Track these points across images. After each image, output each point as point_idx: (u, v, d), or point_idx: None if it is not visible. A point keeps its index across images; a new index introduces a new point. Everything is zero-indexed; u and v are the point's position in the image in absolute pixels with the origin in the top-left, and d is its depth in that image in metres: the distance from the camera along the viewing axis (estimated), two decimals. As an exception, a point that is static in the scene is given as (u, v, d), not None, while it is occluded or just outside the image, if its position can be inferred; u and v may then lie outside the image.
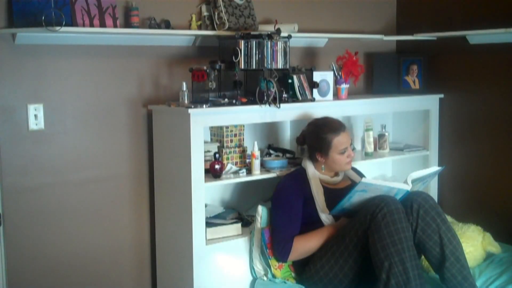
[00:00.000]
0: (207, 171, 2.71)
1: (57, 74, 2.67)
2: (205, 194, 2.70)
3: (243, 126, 3.00)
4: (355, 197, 2.56)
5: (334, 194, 2.70)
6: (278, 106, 2.79)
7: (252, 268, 2.81)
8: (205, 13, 2.98)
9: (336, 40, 3.43)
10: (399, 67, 3.65)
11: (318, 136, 2.75)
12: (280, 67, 2.89)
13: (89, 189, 2.81)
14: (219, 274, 2.74)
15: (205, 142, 2.78)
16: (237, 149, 2.93)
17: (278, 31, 2.88)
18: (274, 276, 2.73)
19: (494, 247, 2.93)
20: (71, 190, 2.75)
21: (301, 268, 2.69)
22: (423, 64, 3.60)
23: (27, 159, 2.63)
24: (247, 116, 2.81)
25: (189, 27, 2.97)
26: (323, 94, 3.09)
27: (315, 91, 3.04)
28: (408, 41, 3.70)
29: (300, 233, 2.67)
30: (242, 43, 2.75)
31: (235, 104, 2.73)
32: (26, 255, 2.66)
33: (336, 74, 3.18)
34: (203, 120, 2.63)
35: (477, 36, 3.30)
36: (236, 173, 2.83)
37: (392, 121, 3.77)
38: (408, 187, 2.57)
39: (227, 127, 2.92)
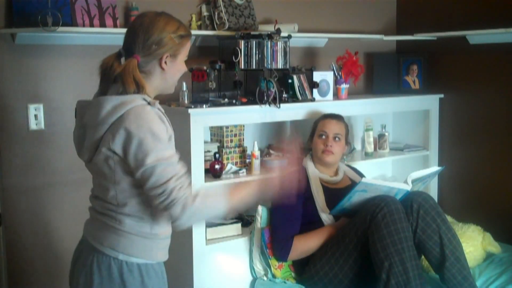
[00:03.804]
0: (207, 171, 2.71)
1: (57, 74, 2.67)
2: (205, 194, 2.69)
3: (243, 126, 3.00)
4: (355, 197, 2.56)
5: (334, 194, 2.70)
6: (278, 106, 2.79)
7: (252, 268, 2.81)
8: (205, 13, 2.99)
9: (336, 40, 3.43)
10: (399, 67, 3.65)
11: (314, 122, 2.89)
12: (280, 67, 2.89)
13: (89, 189, 2.80)
14: (219, 274, 2.74)
15: (205, 142, 2.78)
16: (237, 149, 2.93)
17: (278, 31, 2.89)
18: (274, 276, 2.73)
19: (494, 247, 2.93)
20: (71, 190, 2.74)
21: (301, 268, 2.69)
22: (423, 64, 3.60)
23: (27, 159, 2.63)
24: (247, 116, 2.81)
25: (189, 27, 2.97)
26: (323, 94, 3.09)
27: (315, 91, 3.04)
28: (408, 41, 3.70)
29: (300, 233, 2.67)
30: (242, 43, 2.75)
31: (235, 104, 2.73)
32: (26, 255, 2.66)
33: (336, 74, 3.18)
34: (203, 120, 2.63)
35: (477, 36, 3.30)
36: (236, 173, 2.83)
37: (392, 121, 3.77)
38: (408, 187, 2.57)
39: (227, 127, 2.92)
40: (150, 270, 1.71)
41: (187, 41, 1.75)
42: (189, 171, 2.57)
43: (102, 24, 2.66)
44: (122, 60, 1.68)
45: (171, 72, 1.73)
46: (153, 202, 1.59)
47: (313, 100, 2.98)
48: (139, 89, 1.66)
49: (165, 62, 1.70)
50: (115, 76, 1.65)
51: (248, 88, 2.92)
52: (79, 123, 1.74)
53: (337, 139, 2.80)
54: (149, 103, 1.64)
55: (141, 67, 1.68)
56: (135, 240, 1.67)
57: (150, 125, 1.59)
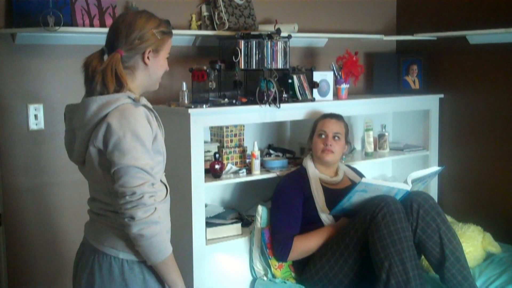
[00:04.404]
0: (207, 171, 2.71)
1: (57, 74, 2.67)
2: (205, 194, 2.70)
3: (243, 126, 3.00)
4: (355, 197, 2.56)
5: (334, 194, 2.70)
6: (278, 106, 2.79)
7: (252, 268, 2.81)
8: (205, 13, 2.99)
9: (336, 40, 3.43)
10: (399, 67, 3.65)
11: (314, 122, 2.89)
12: (280, 67, 2.89)
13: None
14: (219, 274, 2.74)
15: (205, 142, 2.78)
16: (237, 149, 2.93)
17: (278, 31, 2.89)
18: (274, 276, 2.73)
19: (494, 247, 2.93)
20: (71, 190, 2.74)
21: (301, 268, 2.69)
22: (423, 64, 3.60)
23: (27, 159, 2.63)
24: (247, 116, 2.81)
25: (189, 27, 2.97)
26: (323, 94, 3.09)
27: (315, 91, 3.04)
28: (408, 41, 3.70)
29: (300, 233, 2.67)
30: (242, 43, 2.75)
31: (235, 104, 2.73)
32: (26, 255, 2.66)
33: (336, 74, 3.18)
34: (203, 120, 2.63)
35: (477, 36, 3.30)
36: (236, 173, 2.83)
37: (392, 121, 3.77)
38: (408, 187, 2.57)
39: (227, 127, 2.92)
40: (151, 267, 1.71)
41: (169, 39, 1.78)
42: (189, 171, 2.59)
43: (102, 24, 2.66)
44: (105, 57, 1.69)
45: (154, 67, 1.75)
46: (118, 201, 1.59)
47: (313, 100, 2.98)
48: (121, 85, 1.66)
49: (148, 58, 1.72)
50: (97, 73, 1.65)
51: (248, 88, 2.92)
52: (68, 127, 1.76)
53: (336, 138, 2.80)
54: (134, 100, 1.65)
55: (125, 62, 1.70)
56: None
57: (134, 125, 1.60)
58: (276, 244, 2.66)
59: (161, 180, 1.76)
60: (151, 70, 1.74)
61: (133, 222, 1.57)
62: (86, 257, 1.73)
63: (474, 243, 2.87)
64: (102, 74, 1.65)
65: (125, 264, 1.68)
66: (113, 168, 1.59)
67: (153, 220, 1.59)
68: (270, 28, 2.97)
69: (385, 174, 3.76)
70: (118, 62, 1.66)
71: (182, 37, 2.93)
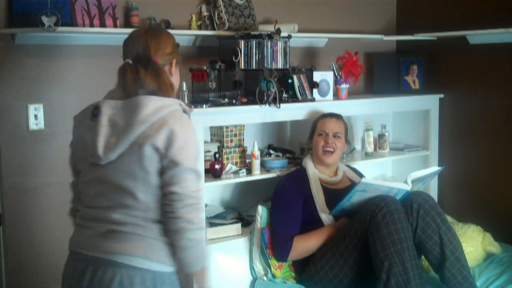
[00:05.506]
0: (207, 171, 2.71)
1: (57, 74, 2.67)
2: (205, 194, 2.69)
3: (243, 126, 3.00)
4: (355, 197, 2.56)
5: (334, 194, 2.70)
6: (278, 106, 2.79)
7: (252, 268, 2.81)
8: (205, 13, 2.99)
9: (336, 40, 3.43)
10: (399, 67, 3.65)
11: (313, 122, 2.89)
12: (280, 67, 2.89)
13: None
14: (219, 274, 2.73)
15: (205, 142, 2.79)
16: (237, 149, 2.93)
17: (278, 31, 2.89)
18: (274, 276, 2.73)
19: (494, 247, 2.93)
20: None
21: (301, 268, 2.69)
22: (423, 64, 3.60)
23: (27, 159, 2.63)
24: (247, 116, 2.81)
25: (189, 27, 2.97)
26: (323, 94, 3.09)
27: (315, 91, 3.04)
28: (408, 41, 3.70)
29: (300, 233, 2.67)
30: (242, 43, 2.75)
31: (235, 104, 2.73)
32: (26, 255, 2.66)
33: (336, 74, 3.18)
34: (203, 120, 2.63)
35: (477, 36, 3.30)
36: (236, 173, 2.83)
37: (392, 121, 3.77)
38: (408, 187, 2.57)
39: (227, 127, 2.92)
40: (176, 277, 1.72)
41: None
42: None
43: (102, 24, 2.66)
44: (139, 67, 1.72)
45: (176, 78, 1.84)
46: (175, 204, 1.58)
47: (313, 100, 2.98)
48: (172, 90, 1.76)
49: (174, 68, 1.81)
50: (146, 80, 1.69)
51: (248, 88, 2.92)
52: (103, 123, 1.66)
53: (337, 137, 2.80)
54: (184, 111, 1.73)
55: None
56: (165, 247, 1.64)
57: (193, 133, 1.68)
58: (276, 244, 2.66)
59: None
60: (174, 80, 1.82)
61: (190, 226, 1.59)
62: (100, 274, 1.62)
63: (474, 243, 2.87)
64: (158, 79, 1.70)
65: (158, 277, 1.63)
66: (174, 170, 1.60)
67: (203, 226, 1.64)
68: (270, 28, 2.97)
69: (385, 174, 3.76)
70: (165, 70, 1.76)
71: (182, 37, 2.93)
